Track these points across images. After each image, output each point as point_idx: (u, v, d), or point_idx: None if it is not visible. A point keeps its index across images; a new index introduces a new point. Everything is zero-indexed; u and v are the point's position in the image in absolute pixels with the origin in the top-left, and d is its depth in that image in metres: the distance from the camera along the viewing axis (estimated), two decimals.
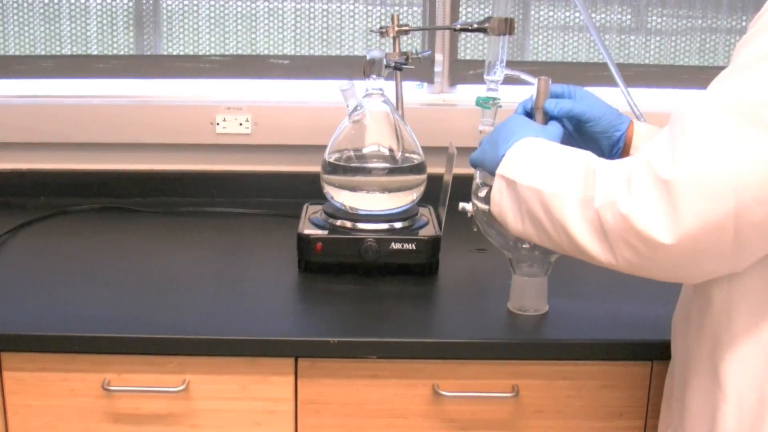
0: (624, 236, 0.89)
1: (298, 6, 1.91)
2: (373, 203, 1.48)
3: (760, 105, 0.82)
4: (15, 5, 1.88)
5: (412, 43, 1.92)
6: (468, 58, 1.94)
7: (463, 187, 1.45)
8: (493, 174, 1.09)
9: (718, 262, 0.88)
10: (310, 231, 1.46)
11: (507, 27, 1.45)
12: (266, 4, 1.91)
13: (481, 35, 1.72)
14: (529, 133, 1.09)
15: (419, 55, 1.58)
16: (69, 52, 1.91)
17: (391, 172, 1.48)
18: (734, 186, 0.82)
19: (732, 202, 0.83)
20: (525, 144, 1.07)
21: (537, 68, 1.80)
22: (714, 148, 0.83)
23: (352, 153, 1.49)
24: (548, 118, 1.20)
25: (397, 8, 1.95)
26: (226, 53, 1.92)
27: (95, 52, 1.92)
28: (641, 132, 1.19)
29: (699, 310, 1.00)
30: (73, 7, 1.88)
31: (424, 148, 1.52)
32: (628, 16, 1.96)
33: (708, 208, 0.83)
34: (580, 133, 1.21)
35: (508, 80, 1.45)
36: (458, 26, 1.53)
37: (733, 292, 0.94)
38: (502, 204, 1.05)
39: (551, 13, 1.95)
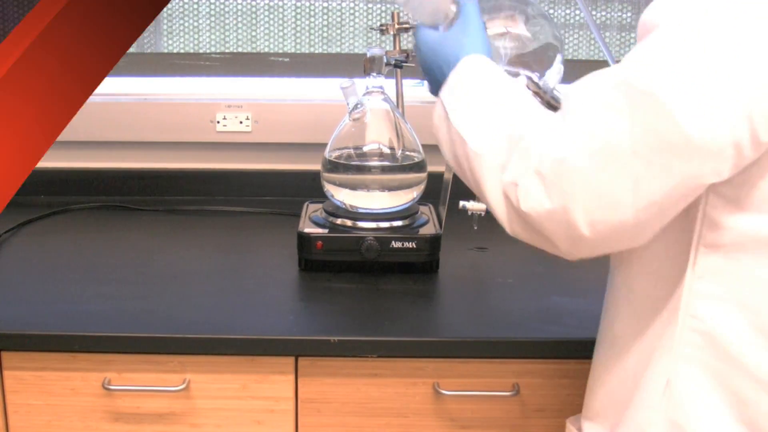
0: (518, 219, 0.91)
1: (299, 3, 1.91)
2: (373, 201, 1.48)
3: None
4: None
5: (413, 41, 1.91)
6: None
7: (463, 186, 1.45)
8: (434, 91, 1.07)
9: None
10: (310, 229, 1.46)
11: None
12: (266, 1, 1.90)
13: None
14: (476, 50, 1.05)
15: None
16: None
17: (391, 170, 1.48)
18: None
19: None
20: (467, 69, 1.03)
21: None
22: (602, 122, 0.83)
23: (352, 151, 1.49)
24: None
25: (397, 6, 1.94)
26: (227, 51, 1.92)
27: None
28: None
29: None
30: None
31: (425, 146, 1.51)
32: (629, 14, 1.96)
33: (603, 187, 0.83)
34: None
35: None
36: None
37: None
38: (439, 131, 1.03)
39: (552, 11, 1.94)
